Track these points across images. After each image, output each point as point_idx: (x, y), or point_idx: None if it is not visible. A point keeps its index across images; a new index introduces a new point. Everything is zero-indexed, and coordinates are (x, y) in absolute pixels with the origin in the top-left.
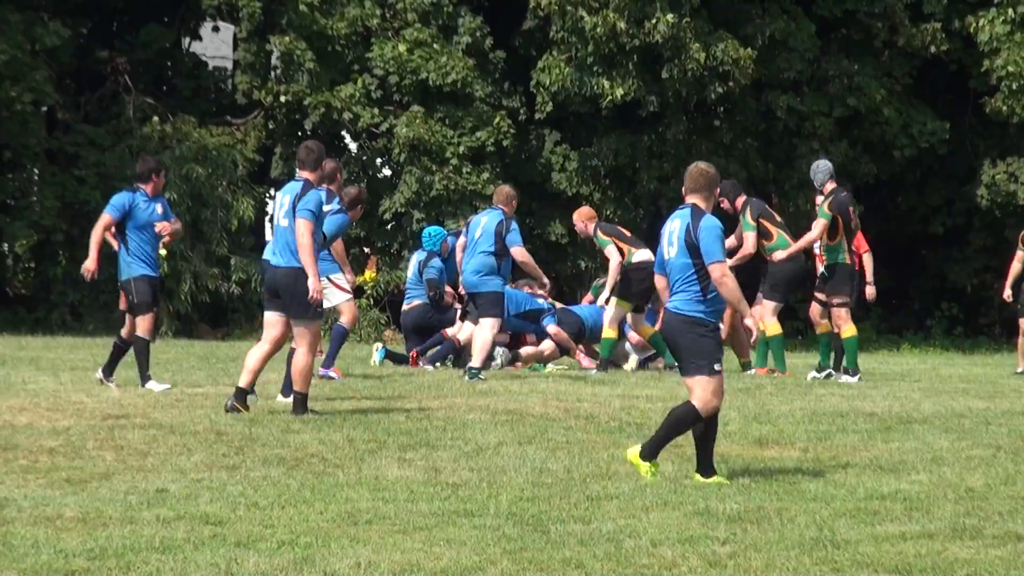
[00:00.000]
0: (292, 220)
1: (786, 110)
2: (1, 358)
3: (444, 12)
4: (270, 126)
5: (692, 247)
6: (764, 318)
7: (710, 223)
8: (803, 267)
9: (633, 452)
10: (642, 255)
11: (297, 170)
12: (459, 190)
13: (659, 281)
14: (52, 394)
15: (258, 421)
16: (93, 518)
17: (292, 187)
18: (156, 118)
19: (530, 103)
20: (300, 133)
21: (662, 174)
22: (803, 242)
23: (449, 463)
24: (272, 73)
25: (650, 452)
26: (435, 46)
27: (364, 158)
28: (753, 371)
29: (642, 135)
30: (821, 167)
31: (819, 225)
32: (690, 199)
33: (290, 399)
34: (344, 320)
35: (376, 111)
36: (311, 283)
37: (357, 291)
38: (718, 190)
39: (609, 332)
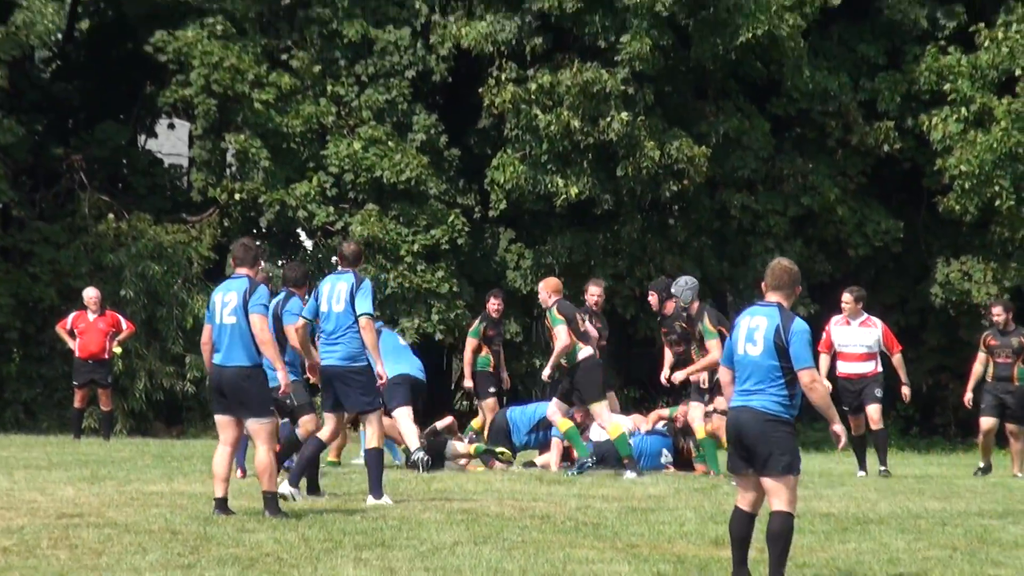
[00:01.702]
0: (241, 318)
1: (740, 208)
2: None
3: (399, 110)
4: (225, 223)
5: (781, 349)
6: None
7: (801, 327)
8: None
9: None
10: (585, 352)
11: (235, 268)
12: (414, 288)
13: (724, 375)
14: (5, 493)
15: (213, 520)
16: None
17: (234, 285)
18: (111, 215)
19: (484, 201)
20: (255, 230)
21: (617, 271)
22: (707, 360)
23: (405, 563)
24: (227, 170)
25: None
26: (390, 143)
27: (320, 256)
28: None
29: (597, 233)
30: (688, 283)
31: (715, 347)
32: (772, 296)
33: (292, 490)
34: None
35: (331, 209)
36: (280, 376)
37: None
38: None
39: (564, 424)
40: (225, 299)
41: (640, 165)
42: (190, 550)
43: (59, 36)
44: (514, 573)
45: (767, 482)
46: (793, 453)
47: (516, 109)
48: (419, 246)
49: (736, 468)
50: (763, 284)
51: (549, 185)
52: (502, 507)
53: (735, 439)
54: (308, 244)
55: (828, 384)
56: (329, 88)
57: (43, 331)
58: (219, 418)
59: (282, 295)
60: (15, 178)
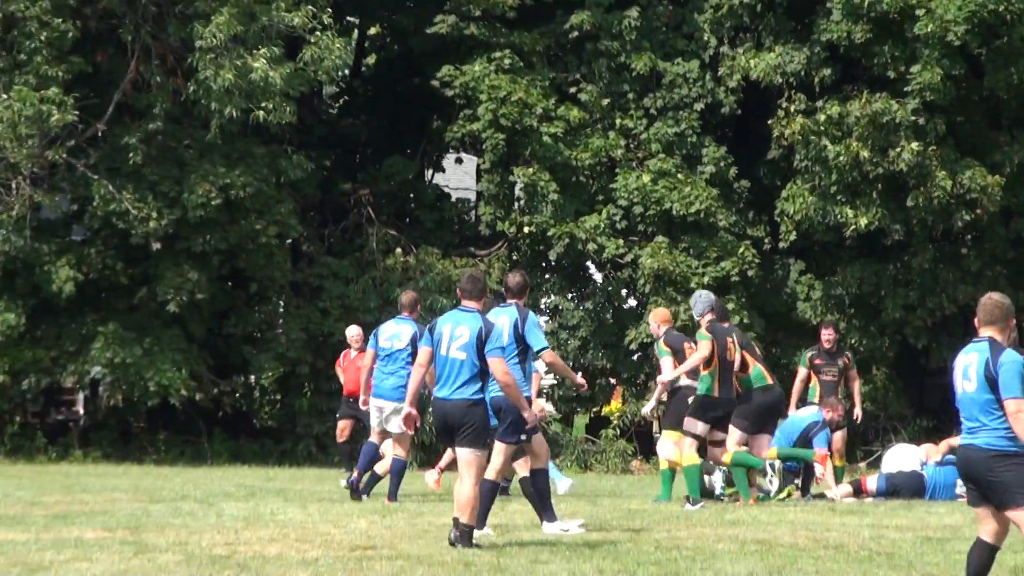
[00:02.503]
0: (472, 355)
1: None
2: (250, 489)
3: (688, 142)
4: (514, 256)
5: (992, 381)
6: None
7: (1011, 357)
8: (778, 397)
9: None
10: (687, 380)
11: (462, 300)
12: None
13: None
14: (300, 525)
15: (506, 552)
16: None
17: (466, 319)
18: (399, 250)
19: (774, 232)
20: (544, 263)
21: (907, 302)
22: (685, 366)
23: None
24: (516, 204)
25: None
26: (679, 176)
27: (609, 288)
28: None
29: (887, 263)
30: (702, 297)
31: (704, 348)
32: (985, 331)
33: (552, 527)
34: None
35: (620, 241)
36: (526, 414)
37: (604, 421)
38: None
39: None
40: (456, 332)
41: (931, 195)
42: None
43: (347, 72)
44: None
45: (1013, 515)
46: None
47: (805, 140)
48: (709, 278)
49: (975, 502)
50: (976, 320)
51: (839, 216)
52: (795, 537)
53: (965, 477)
54: (598, 277)
55: None
56: (618, 121)
57: (333, 366)
58: (453, 450)
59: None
60: (304, 213)
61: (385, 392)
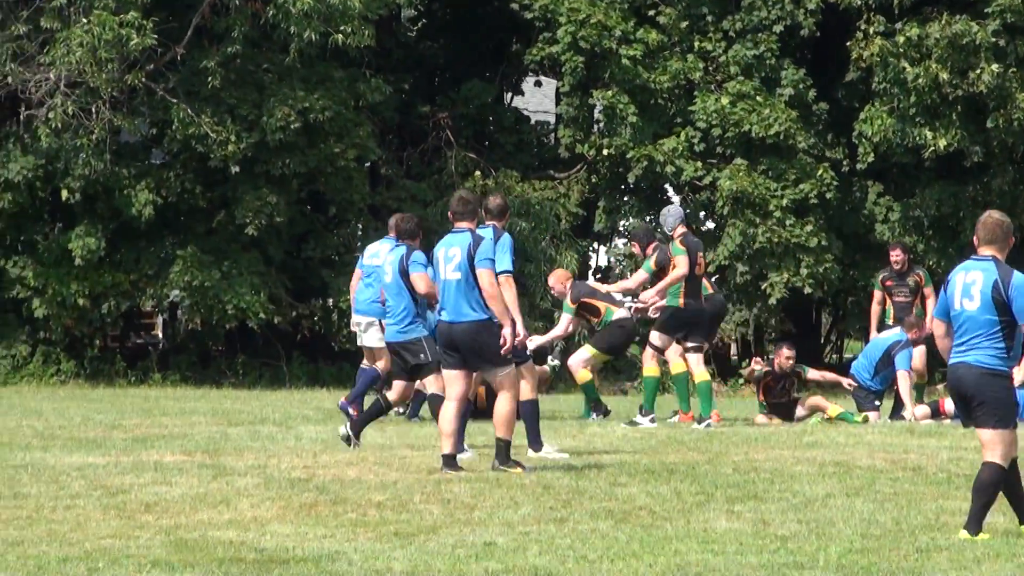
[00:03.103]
0: (466, 273)
1: None
2: (328, 412)
3: (767, 65)
4: (593, 180)
5: (1000, 304)
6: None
7: (1022, 280)
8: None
9: (964, 535)
10: (620, 313)
11: (454, 222)
12: (782, 243)
13: (938, 328)
14: (378, 448)
15: (584, 474)
16: (422, 571)
17: (457, 239)
18: (478, 173)
19: (852, 154)
20: (623, 186)
21: None
22: (665, 282)
23: (777, 515)
24: (594, 127)
25: (975, 526)
26: (758, 98)
27: (687, 211)
28: None
29: (966, 185)
30: (671, 211)
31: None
32: (986, 250)
33: (542, 452)
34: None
35: (699, 164)
36: (507, 330)
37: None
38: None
39: (584, 375)
40: (449, 254)
41: (1011, 117)
42: (562, 504)
43: None
44: (887, 525)
45: (982, 434)
46: (1008, 406)
47: (884, 62)
48: (788, 200)
49: (967, 422)
50: (975, 238)
51: (917, 138)
52: (873, 459)
53: (956, 394)
54: (675, 199)
55: None
56: (696, 44)
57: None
58: (448, 373)
59: (404, 250)
60: (383, 137)
61: (361, 307)
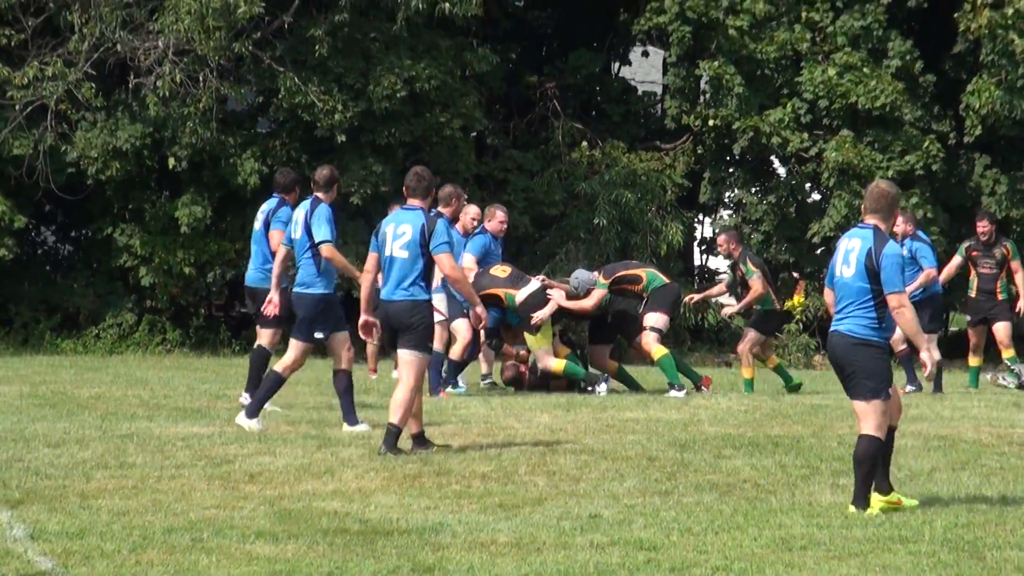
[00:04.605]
0: (415, 254)
1: None
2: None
3: (874, 36)
4: (699, 150)
5: (872, 272)
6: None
7: (893, 250)
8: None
9: (852, 510)
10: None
11: (407, 198)
12: None
13: (827, 296)
14: (483, 419)
15: (689, 447)
16: (527, 543)
17: (408, 217)
18: (585, 143)
19: (959, 126)
20: (728, 157)
21: None
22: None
23: None
24: (701, 97)
25: (862, 499)
26: (865, 70)
27: (793, 183)
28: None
29: None
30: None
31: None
32: (870, 219)
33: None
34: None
35: (805, 135)
36: (479, 311)
37: (787, 316)
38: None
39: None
40: (399, 231)
41: None
42: (667, 476)
43: None
44: (993, 499)
45: (856, 405)
46: (881, 377)
47: (992, 34)
48: (894, 172)
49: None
50: (862, 207)
51: None
52: (979, 433)
53: (832, 363)
54: (781, 171)
55: None
56: (804, 15)
57: (517, 259)
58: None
59: (274, 202)
60: (489, 106)
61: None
